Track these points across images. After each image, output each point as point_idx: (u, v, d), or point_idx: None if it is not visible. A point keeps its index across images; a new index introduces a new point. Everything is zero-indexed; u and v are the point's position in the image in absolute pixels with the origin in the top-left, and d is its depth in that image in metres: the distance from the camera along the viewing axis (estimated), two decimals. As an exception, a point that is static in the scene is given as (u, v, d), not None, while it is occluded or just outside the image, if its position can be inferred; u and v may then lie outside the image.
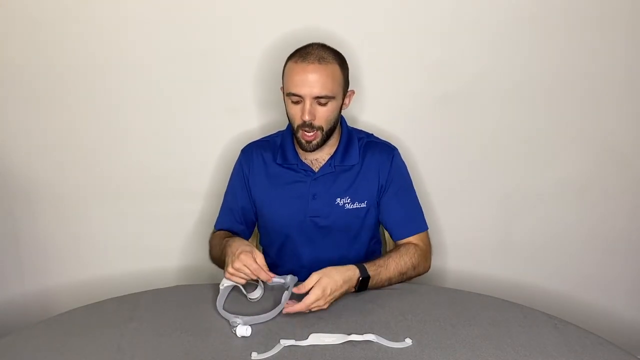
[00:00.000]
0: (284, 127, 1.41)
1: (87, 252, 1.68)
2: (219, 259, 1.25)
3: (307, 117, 1.18)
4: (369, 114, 1.57)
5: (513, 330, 1.02)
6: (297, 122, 1.22)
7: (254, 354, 0.95)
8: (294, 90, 1.19)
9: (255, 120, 1.58)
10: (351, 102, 1.31)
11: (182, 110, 1.57)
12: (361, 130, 1.40)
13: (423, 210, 1.38)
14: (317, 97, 1.18)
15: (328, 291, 1.07)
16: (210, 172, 1.62)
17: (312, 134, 1.22)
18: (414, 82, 1.55)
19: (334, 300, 1.10)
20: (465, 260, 1.72)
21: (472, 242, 1.70)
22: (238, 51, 1.52)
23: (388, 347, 0.97)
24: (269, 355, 0.95)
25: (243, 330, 1.01)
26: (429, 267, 1.31)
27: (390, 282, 1.20)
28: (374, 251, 1.41)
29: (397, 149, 1.36)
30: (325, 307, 1.08)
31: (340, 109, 1.26)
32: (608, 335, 1.04)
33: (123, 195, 1.63)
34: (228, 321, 1.04)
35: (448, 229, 1.69)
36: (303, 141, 1.24)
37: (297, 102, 1.21)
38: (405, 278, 1.23)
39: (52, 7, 1.45)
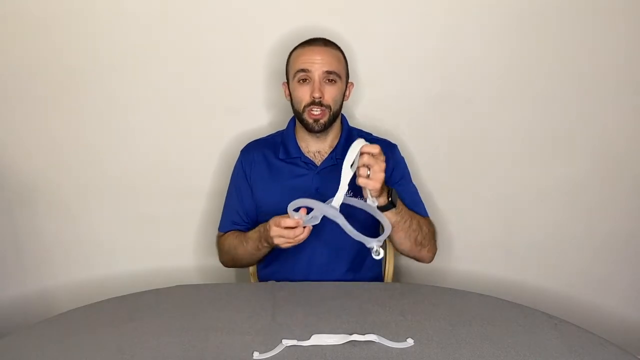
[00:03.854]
0: (283, 127, 1.42)
1: (88, 252, 1.68)
2: (244, 254, 1.28)
3: (317, 94, 1.22)
4: (369, 113, 1.57)
5: (513, 330, 1.02)
6: (305, 101, 1.25)
7: (256, 354, 0.95)
8: (302, 66, 1.23)
9: (256, 119, 1.58)
10: (351, 95, 1.35)
11: (183, 110, 1.57)
12: (361, 130, 1.43)
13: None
14: (326, 72, 1.23)
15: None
16: (211, 172, 1.62)
17: (319, 111, 1.24)
18: (415, 82, 1.55)
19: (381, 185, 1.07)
20: (465, 260, 1.72)
21: (472, 242, 1.70)
22: (239, 51, 1.52)
23: (389, 347, 0.97)
24: (271, 355, 0.95)
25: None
26: (434, 254, 1.30)
27: (411, 233, 1.20)
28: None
29: (397, 145, 1.40)
30: (381, 173, 1.05)
31: (344, 96, 1.30)
32: (608, 335, 1.04)
33: (123, 195, 1.62)
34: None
35: (448, 228, 1.69)
36: (311, 120, 1.26)
37: (305, 81, 1.24)
38: (419, 241, 1.23)
39: (53, 6, 1.45)
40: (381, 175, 1.07)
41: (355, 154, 1.05)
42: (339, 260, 1.35)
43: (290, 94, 1.30)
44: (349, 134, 1.36)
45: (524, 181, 1.66)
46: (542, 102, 1.58)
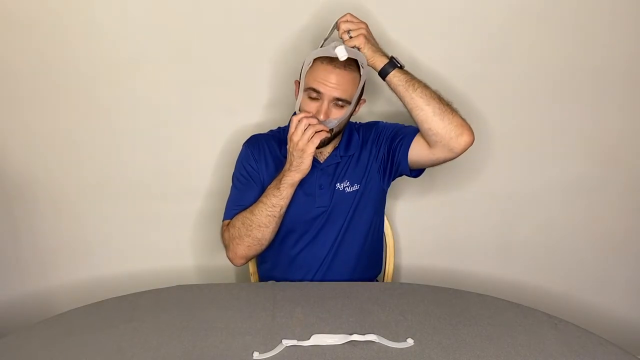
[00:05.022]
0: (283, 125, 1.43)
1: (87, 252, 1.68)
2: (261, 215, 1.24)
3: (322, 117, 1.21)
4: (370, 113, 1.57)
5: (513, 330, 1.03)
6: None
7: (256, 354, 0.95)
8: (315, 86, 1.20)
9: (254, 119, 1.58)
10: (360, 109, 1.34)
11: (183, 110, 1.57)
12: (355, 122, 1.44)
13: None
14: (336, 99, 1.21)
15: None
16: (210, 172, 1.62)
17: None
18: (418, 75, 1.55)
19: (368, 41, 1.20)
20: (465, 260, 1.72)
21: (472, 242, 1.70)
22: (238, 50, 1.52)
23: (389, 347, 0.97)
24: (271, 355, 0.95)
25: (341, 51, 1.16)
26: (470, 127, 1.24)
27: (430, 92, 1.21)
28: (372, 243, 1.40)
29: (380, 121, 1.42)
30: (360, 29, 1.20)
31: (351, 114, 1.29)
32: (608, 335, 1.04)
33: (123, 195, 1.62)
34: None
35: (448, 229, 1.69)
36: None
37: (314, 99, 1.22)
38: (445, 101, 1.23)
39: (52, 6, 1.45)
40: (361, 32, 1.20)
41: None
42: (345, 261, 1.35)
43: (299, 94, 1.28)
44: (350, 129, 1.37)
45: (523, 181, 1.66)
46: (544, 102, 1.58)
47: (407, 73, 1.21)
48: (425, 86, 1.21)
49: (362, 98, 1.31)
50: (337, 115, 1.23)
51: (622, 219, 1.69)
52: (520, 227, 1.70)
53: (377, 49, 1.21)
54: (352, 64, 1.22)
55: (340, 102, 1.21)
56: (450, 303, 1.13)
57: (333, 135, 1.26)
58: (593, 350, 0.97)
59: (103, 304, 1.14)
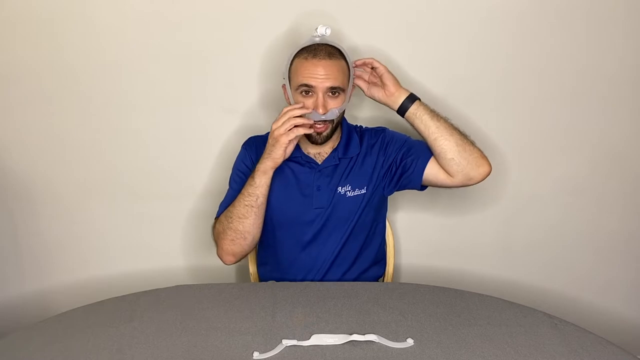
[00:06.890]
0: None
1: (87, 252, 1.68)
2: (240, 207, 1.25)
3: (321, 110, 1.21)
4: (370, 114, 1.57)
5: (513, 330, 1.03)
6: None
7: (256, 354, 0.95)
8: (305, 82, 1.21)
9: (253, 119, 1.58)
10: (352, 95, 1.33)
11: (181, 110, 1.56)
12: (355, 125, 1.44)
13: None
14: (330, 89, 1.21)
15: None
16: (209, 172, 1.62)
17: (322, 126, 1.24)
18: (413, 82, 1.55)
19: (390, 72, 1.29)
20: (465, 260, 1.72)
21: (472, 242, 1.70)
22: (236, 50, 1.52)
23: (389, 347, 0.97)
24: (271, 355, 0.95)
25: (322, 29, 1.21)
26: (489, 163, 1.27)
27: (448, 125, 1.26)
28: (373, 249, 1.40)
29: (387, 128, 1.41)
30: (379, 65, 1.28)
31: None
32: (608, 335, 1.04)
33: (123, 195, 1.62)
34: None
35: (448, 229, 1.69)
36: (314, 134, 1.25)
37: (308, 95, 1.22)
38: (463, 134, 1.27)
39: (52, 6, 1.45)
40: (382, 64, 1.29)
41: None
42: (345, 264, 1.35)
43: (290, 98, 1.28)
44: (349, 130, 1.37)
45: (523, 181, 1.66)
46: (542, 101, 1.58)
47: (424, 105, 1.27)
48: (445, 121, 1.26)
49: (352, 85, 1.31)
50: (335, 105, 1.23)
51: (623, 220, 1.69)
52: (520, 227, 1.70)
53: (398, 87, 1.29)
54: (334, 52, 1.23)
55: (334, 91, 1.22)
56: (450, 303, 1.13)
57: (335, 125, 1.27)
58: (593, 350, 0.97)
59: (103, 304, 1.14)
